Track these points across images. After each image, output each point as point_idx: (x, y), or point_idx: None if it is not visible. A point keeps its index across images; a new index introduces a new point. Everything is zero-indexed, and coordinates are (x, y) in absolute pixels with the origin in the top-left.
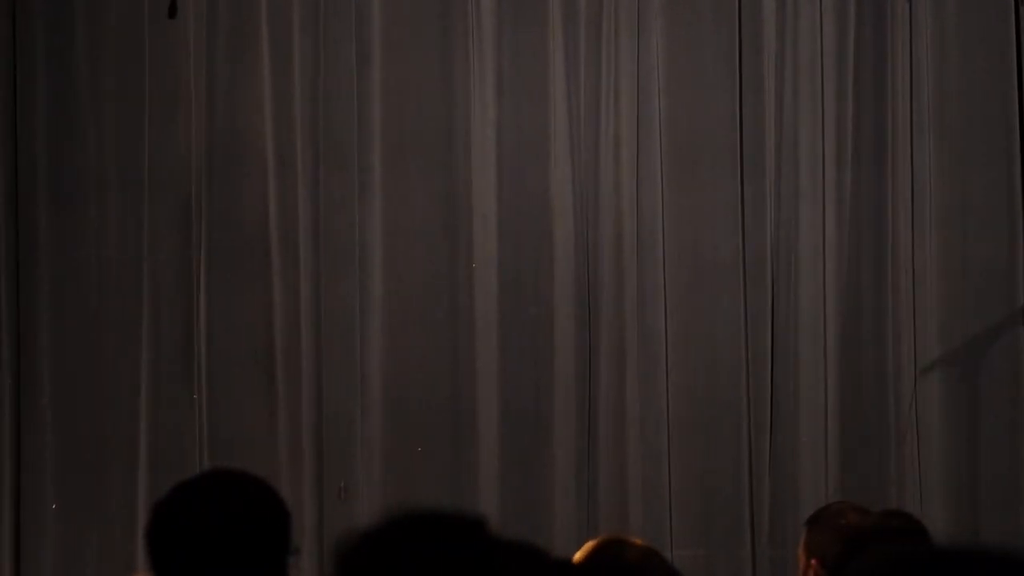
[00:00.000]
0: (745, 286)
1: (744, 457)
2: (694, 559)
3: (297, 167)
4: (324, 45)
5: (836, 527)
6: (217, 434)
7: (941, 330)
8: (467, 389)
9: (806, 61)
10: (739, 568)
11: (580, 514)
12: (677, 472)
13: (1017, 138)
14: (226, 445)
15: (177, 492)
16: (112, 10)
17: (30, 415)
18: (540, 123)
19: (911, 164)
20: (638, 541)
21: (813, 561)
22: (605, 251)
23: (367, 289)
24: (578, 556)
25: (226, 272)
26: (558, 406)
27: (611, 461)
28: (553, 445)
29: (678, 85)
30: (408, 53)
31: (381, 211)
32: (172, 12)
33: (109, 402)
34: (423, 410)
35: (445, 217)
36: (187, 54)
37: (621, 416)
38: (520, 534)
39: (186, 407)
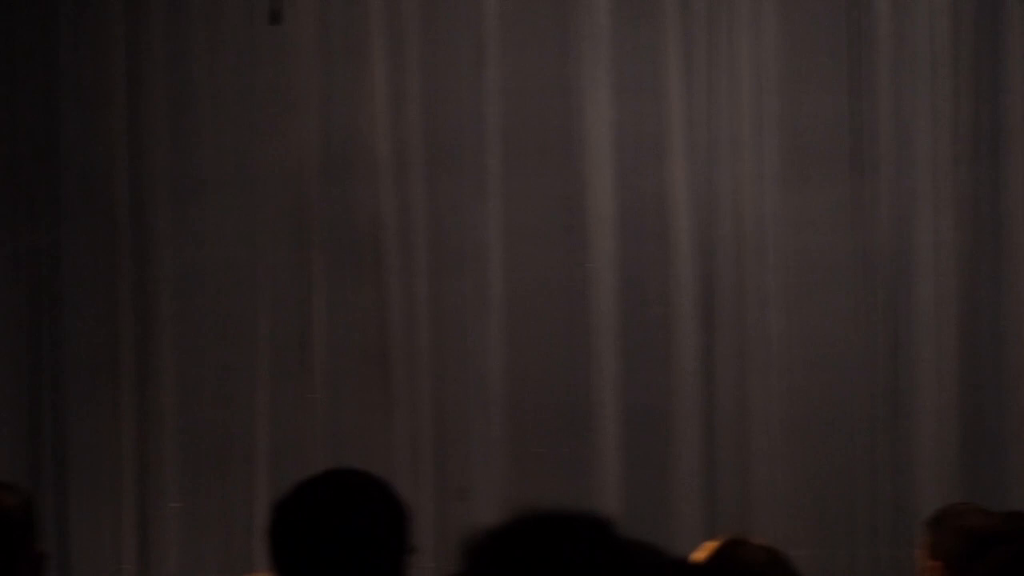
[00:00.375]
0: (861, 286)
1: (863, 457)
2: (814, 559)
3: (412, 167)
4: (439, 44)
5: (958, 528)
6: (334, 433)
7: None
8: (587, 389)
9: (920, 59)
10: (859, 569)
11: (701, 513)
12: (797, 472)
13: None
14: (343, 444)
15: (298, 491)
16: (228, 11)
17: (152, 415)
18: (657, 122)
19: None
20: (760, 541)
21: (935, 563)
22: (723, 250)
23: (484, 289)
24: (699, 556)
25: (341, 272)
26: (678, 406)
27: (732, 460)
28: (674, 445)
29: (792, 84)
30: (524, 52)
31: (498, 211)
32: (275, 18)
33: (228, 401)
34: (543, 410)
35: (562, 217)
36: (302, 54)
37: (741, 416)
38: (640, 534)
39: (303, 406)
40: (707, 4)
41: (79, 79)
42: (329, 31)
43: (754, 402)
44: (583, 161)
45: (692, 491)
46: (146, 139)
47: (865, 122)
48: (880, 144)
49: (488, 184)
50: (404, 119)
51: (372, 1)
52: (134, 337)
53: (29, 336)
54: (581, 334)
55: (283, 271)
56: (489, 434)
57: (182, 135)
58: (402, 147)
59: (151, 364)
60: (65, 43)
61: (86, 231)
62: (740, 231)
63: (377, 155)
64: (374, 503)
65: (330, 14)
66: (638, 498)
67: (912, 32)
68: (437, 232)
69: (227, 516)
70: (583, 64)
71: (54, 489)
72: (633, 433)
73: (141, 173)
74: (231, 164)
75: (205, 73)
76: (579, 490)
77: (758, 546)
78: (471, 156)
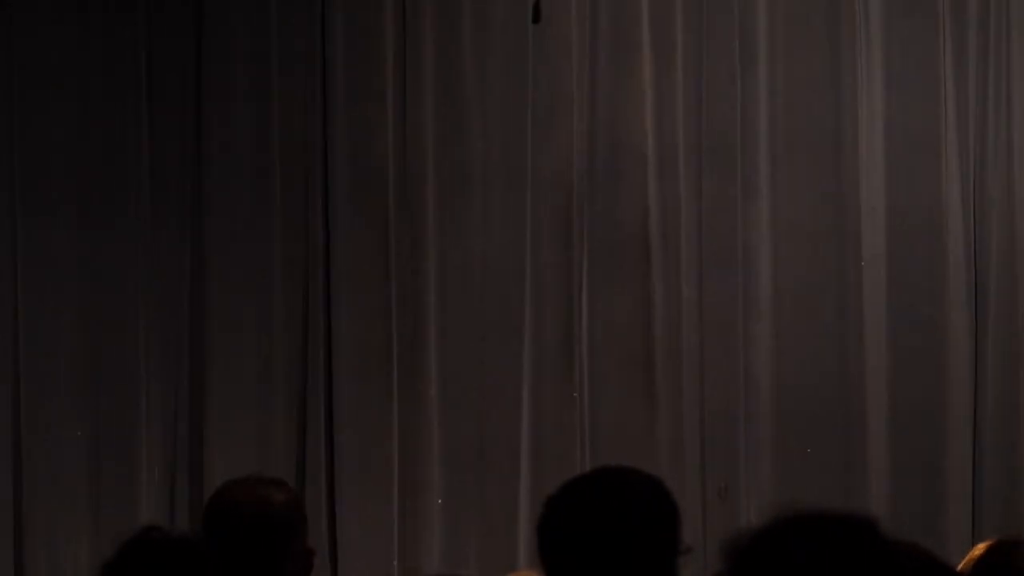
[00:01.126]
0: None
1: None
2: None
3: (679, 168)
4: (708, 44)
5: None
6: (598, 432)
7: None
8: (856, 389)
9: None
10: None
11: (970, 515)
12: None
13: None
14: (607, 443)
15: (570, 487)
16: (497, 10)
17: (418, 409)
18: (929, 120)
19: None
20: None
21: None
22: (995, 251)
23: (752, 289)
24: (969, 558)
25: (606, 272)
26: (949, 407)
27: (1001, 464)
28: (943, 445)
29: None
30: (794, 50)
31: (767, 210)
32: (536, 17)
33: (492, 399)
34: (811, 409)
35: (833, 216)
36: (570, 54)
37: (1012, 417)
38: (910, 536)
39: (567, 405)
40: (980, 3)
41: (350, 80)
42: (597, 31)
43: None
44: (854, 160)
45: (963, 493)
46: (415, 138)
47: None
48: None
49: (757, 184)
50: (671, 118)
51: (641, 1)
52: (403, 335)
53: (303, 334)
54: (851, 334)
55: (549, 269)
56: (756, 434)
57: (450, 134)
58: (669, 147)
59: (419, 362)
60: (337, 44)
61: (357, 230)
62: (1012, 231)
63: (644, 154)
64: (646, 501)
65: (599, 14)
66: (907, 498)
67: None
68: (705, 232)
69: (489, 513)
70: (855, 62)
71: (325, 486)
72: (902, 433)
73: (410, 172)
74: (498, 163)
75: (474, 72)
76: (847, 490)
77: None
78: (740, 155)
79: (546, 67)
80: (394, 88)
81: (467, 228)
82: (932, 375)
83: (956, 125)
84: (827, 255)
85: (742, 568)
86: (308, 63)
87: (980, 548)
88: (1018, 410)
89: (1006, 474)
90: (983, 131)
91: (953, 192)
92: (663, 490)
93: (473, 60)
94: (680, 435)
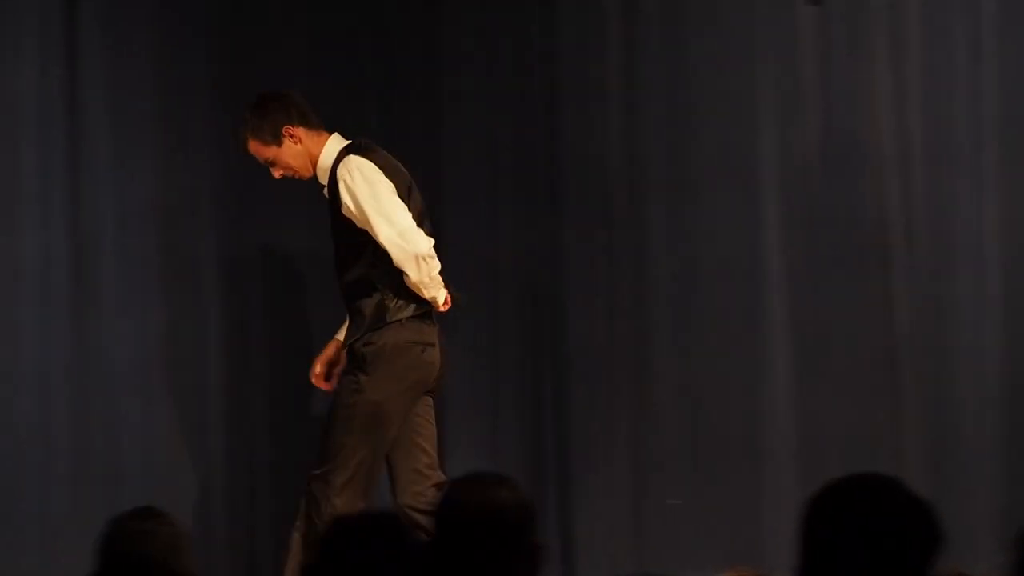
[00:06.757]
0: None
1: None
2: None
3: (915, 165)
4: (936, 40)
5: None
6: (847, 433)
7: None
8: None
9: None
10: None
11: None
12: None
13: None
14: (854, 445)
15: (834, 489)
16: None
17: (650, 413)
18: None
19: None
20: None
21: None
22: None
23: (983, 287)
24: None
25: (844, 271)
26: None
27: None
28: None
29: None
30: (1022, 47)
31: (996, 207)
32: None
33: (728, 399)
34: None
35: None
36: (803, 51)
37: None
38: None
39: (814, 405)
40: None
41: (579, 76)
42: (829, 28)
43: None
44: None
45: None
46: (643, 136)
47: None
48: None
49: (988, 181)
50: (906, 115)
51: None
52: (631, 336)
53: (532, 335)
54: None
55: (785, 270)
56: (985, 434)
57: (680, 129)
58: (904, 144)
59: (648, 362)
60: (566, 40)
61: (585, 230)
62: None
63: (880, 153)
64: (905, 509)
65: (831, 10)
66: None
67: None
68: (937, 230)
69: (730, 514)
70: None
71: (556, 487)
72: None
73: (638, 171)
74: (730, 159)
75: (703, 68)
76: None
77: None
78: (968, 152)
79: (778, 58)
80: (621, 86)
81: (697, 227)
82: None
83: None
84: None
85: None
86: (541, 64)
87: None
88: None
89: None
90: None
91: None
92: (922, 502)
93: (699, 56)
94: (925, 433)
